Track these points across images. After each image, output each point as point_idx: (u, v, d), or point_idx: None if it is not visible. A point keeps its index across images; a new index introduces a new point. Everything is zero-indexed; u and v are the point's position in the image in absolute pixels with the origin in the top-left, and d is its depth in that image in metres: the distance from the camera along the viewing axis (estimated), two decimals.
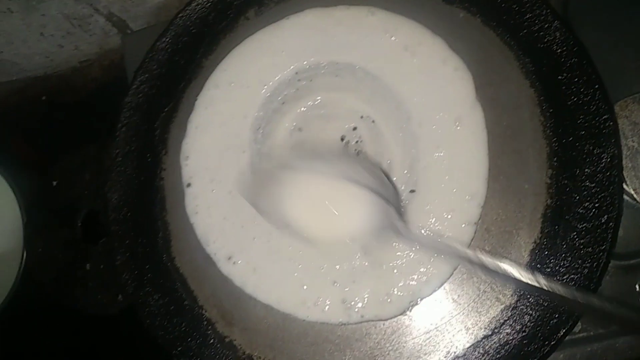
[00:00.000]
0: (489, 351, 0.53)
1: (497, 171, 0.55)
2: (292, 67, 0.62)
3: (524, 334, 0.52)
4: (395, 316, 0.55)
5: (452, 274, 0.54)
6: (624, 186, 0.59)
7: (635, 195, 0.59)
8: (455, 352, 0.53)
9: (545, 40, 0.57)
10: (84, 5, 0.83)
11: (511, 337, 0.52)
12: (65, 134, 0.92)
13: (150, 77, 0.67)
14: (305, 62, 0.62)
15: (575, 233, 0.53)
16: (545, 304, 0.52)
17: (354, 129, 0.63)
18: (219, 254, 0.59)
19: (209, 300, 0.59)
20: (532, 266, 0.53)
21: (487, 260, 0.48)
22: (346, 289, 0.56)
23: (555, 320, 0.51)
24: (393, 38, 0.60)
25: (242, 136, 0.62)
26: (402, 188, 0.58)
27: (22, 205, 0.77)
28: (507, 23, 0.59)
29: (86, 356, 0.82)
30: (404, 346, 0.55)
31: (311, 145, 0.63)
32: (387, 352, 0.55)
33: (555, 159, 0.55)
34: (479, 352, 0.53)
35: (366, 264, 0.56)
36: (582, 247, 0.53)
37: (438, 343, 0.54)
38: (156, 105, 0.66)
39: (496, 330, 0.53)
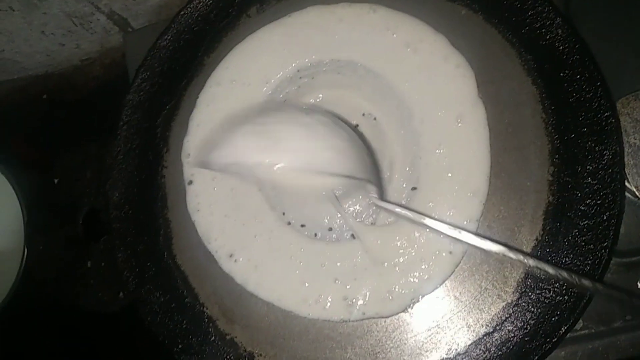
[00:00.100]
0: (490, 348, 0.53)
1: (499, 168, 0.55)
2: (293, 64, 0.63)
3: (525, 331, 0.52)
4: (397, 313, 0.55)
5: (454, 271, 0.54)
6: (626, 183, 0.59)
7: (636, 193, 0.59)
8: (456, 350, 0.53)
9: (547, 37, 0.57)
10: (85, 3, 0.83)
11: (513, 334, 0.52)
12: (66, 133, 0.92)
13: (151, 75, 0.67)
14: (307, 60, 0.62)
15: (576, 230, 0.53)
16: (547, 301, 0.52)
17: (356, 126, 0.63)
18: (220, 251, 0.59)
19: (210, 297, 0.59)
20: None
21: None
22: (347, 287, 0.56)
23: (556, 318, 0.51)
24: (395, 35, 0.60)
25: None
26: (404, 185, 0.58)
27: (23, 204, 0.77)
28: (509, 20, 0.59)
29: (87, 354, 0.82)
30: (405, 343, 0.55)
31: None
32: (388, 350, 0.55)
33: (557, 156, 0.55)
34: (480, 350, 0.53)
35: (367, 261, 0.56)
36: (583, 244, 0.53)
37: (439, 340, 0.54)
38: (158, 103, 0.66)
39: (498, 328, 0.53)
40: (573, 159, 0.54)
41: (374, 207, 0.59)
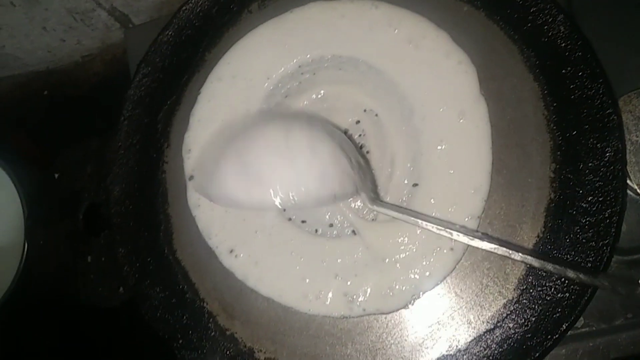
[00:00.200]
0: (491, 345, 0.52)
1: (501, 165, 0.55)
2: (295, 60, 0.62)
3: (526, 328, 0.52)
4: (397, 310, 0.55)
5: (455, 267, 0.54)
6: (628, 181, 0.59)
7: (638, 190, 0.59)
8: (457, 346, 0.53)
9: (550, 34, 0.57)
10: None
11: (514, 332, 0.52)
12: (67, 128, 0.92)
13: (153, 70, 0.67)
14: (308, 56, 0.62)
15: (578, 227, 0.53)
16: (548, 298, 0.52)
17: (357, 122, 0.62)
18: (221, 247, 0.59)
19: (211, 293, 0.59)
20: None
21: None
22: (348, 282, 0.55)
23: (557, 315, 0.51)
24: (396, 31, 0.60)
25: None
26: (405, 182, 0.58)
27: (23, 198, 0.77)
28: (511, 17, 0.59)
29: (87, 348, 0.82)
30: (405, 340, 0.54)
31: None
32: (388, 346, 0.55)
33: (558, 153, 0.55)
34: (481, 346, 0.53)
35: (368, 257, 0.56)
36: (585, 241, 0.52)
37: (440, 337, 0.54)
38: (159, 98, 0.66)
39: (499, 324, 0.53)
40: (575, 156, 0.54)
41: None
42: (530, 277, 0.53)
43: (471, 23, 0.60)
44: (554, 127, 0.55)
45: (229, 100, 0.63)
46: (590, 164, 0.54)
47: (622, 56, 0.63)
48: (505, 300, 0.53)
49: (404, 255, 0.55)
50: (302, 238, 0.58)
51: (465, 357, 0.53)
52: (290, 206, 0.50)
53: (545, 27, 0.58)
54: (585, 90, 0.55)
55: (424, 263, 0.54)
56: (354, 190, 0.53)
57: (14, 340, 0.82)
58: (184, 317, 0.59)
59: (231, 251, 0.59)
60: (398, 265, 0.55)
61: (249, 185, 0.51)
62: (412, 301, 0.54)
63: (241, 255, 0.59)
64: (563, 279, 0.52)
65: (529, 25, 0.58)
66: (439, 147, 0.57)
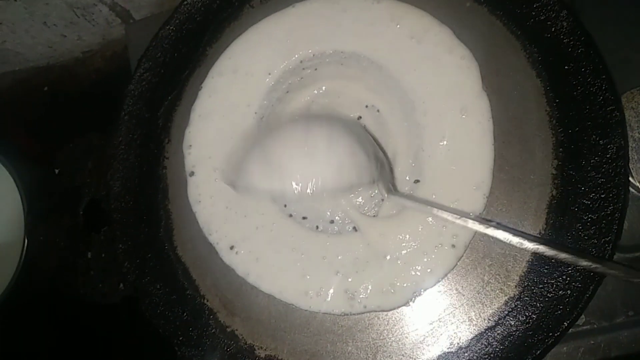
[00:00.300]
0: (492, 342, 0.52)
1: (503, 161, 0.55)
2: (296, 55, 0.62)
3: (527, 325, 0.52)
4: (399, 307, 0.55)
5: (456, 264, 0.54)
6: (630, 178, 0.59)
7: None
8: (458, 343, 0.53)
9: (552, 30, 0.57)
10: None
11: (515, 329, 0.52)
12: (67, 124, 0.92)
13: (154, 65, 0.67)
14: (310, 51, 0.62)
15: (580, 224, 0.53)
16: (550, 296, 0.52)
17: (359, 118, 0.62)
18: (221, 243, 0.59)
19: (211, 289, 0.59)
20: (537, 257, 0.53)
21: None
22: (349, 279, 0.55)
23: (559, 312, 0.51)
24: (399, 26, 0.60)
25: (246, 125, 0.62)
26: (407, 178, 0.58)
27: (24, 194, 0.77)
28: (513, 12, 0.59)
29: (87, 344, 0.82)
30: (406, 337, 0.54)
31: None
32: (389, 343, 0.54)
33: (561, 149, 0.54)
34: (482, 344, 0.52)
35: (369, 254, 0.56)
36: (587, 238, 0.52)
37: (441, 334, 0.54)
38: (160, 93, 0.66)
39: (500, 322, 0.53)
40: (577, 153, 0.54)
41: (379, 200, 0.59)
42: (532, 275, 0.53)
43: (474, 18, 0.60)
44: (557, 124, 0.55)
45: (230, 96, 0.63)
46: (592, 161, 0.53)
47: (625, 53, 0.63)
48: (506, 298, 0.53)
49: (405, 252, 0.55)
50: (303, 234, 0.58)
51: (466, 354, 0.52)
52: (308, 195, 0.51)
53: (548, 22, 0.57)
54: (587, 86, 0.55)
55: (425, 260, 0.54)
56: (371, 181, 0.54)
57: (14, 336, 0.82)
58: (184, 314, 0.59)
59: (232, 247, 0.59)
60: (399, 262, 0.55)
61: (272, 176, 0.53)
62: (413, 298, 0.54)
63: (242, 251, 0.58)
64: (565, 276, 0.51)
65: (532, 21, 0.58)
66: (441, 143, 0.57)
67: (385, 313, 0.55)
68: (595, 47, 0.56)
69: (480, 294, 0.53)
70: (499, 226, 0.52)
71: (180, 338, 0.58)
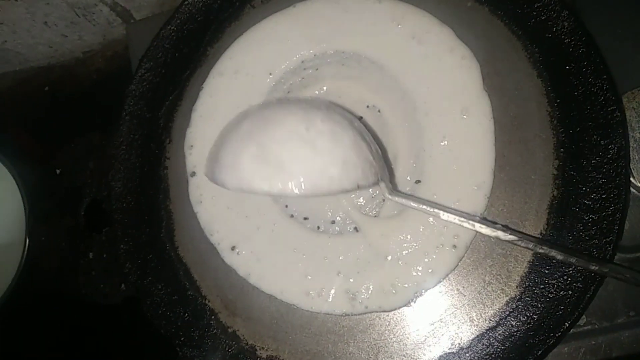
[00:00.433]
0: (493, 343, 0.52)
1: (504, 161, 0.55)
2: (297, 55, 0.62)
3: (529, 325, 0.52)
4: (400, 307, 0.55)
5: (457, 265, 0.54)
6: (631, 178, 0.59)
7: None
8: (460, 344, 0.53)
9: (554, 30, 0.57)
10: None
11: (516, 329, 0.52)
12: (68, 124, 0.92)
13: (155, 65, 0.66)
14: (311, 51, 0.62)
15: (581, 225, 0.53)
16: (551, 296, 0.52)
17: (360, 118, 0.62)
18: (223, 243, 0.59)
19: (212, 290, 0.59)
20: (538, 257, 0.53)
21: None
22: (350, 280, 0.55)
23: (560, 313, 0.51)
24: (400, 26, 0.60)
25: None
26: (408, 178, 0.58)
27: (25, 195, 0.77)
28: (514, 12, 0.59)
29: (88, 345, 0.82)
30: (408, 337, 0.54)
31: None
32: (391, 344, 0.55)
33: (562, 149, 0.54)
34: (483, 344, 0.53)
35: (371, 254, 0.56)
36: (588, 238, 0.52)
37: (442, 335, 0.54)
38: (161, 93, 0.66)
39: (501, 322, 0.53)
40: (578, 153, 0.54)
41: (380, 200, 0.59)
42: (533, 275, 0.53)
43: (475, 18, 0.60)
44: (558, 124, 0.55)
45: (231, 96, 0.63)
46: (593, 161, 0.53)
47: (626, 53, 0.63)
48: (507, 298, 0.53)
49: (406, 252, 0.55)
50: (304, 235, 0.58)
51: (467, 354, 0.52)
52: (311, 194, 0.48)
53: (549, 22, 0.57)
54: (588, 86, 0.55)
55: (427, 260, 0.54)
56: (376, 180, 0.52)
57: (15, 336, 0.82)
58: (186, 314, 0.59)
59: (233, 248, 0.59)
60: (400, 262, 0.55)
61: (270, 173, 0.48)
62: (415, 299, 0.54)
63: (243, 252, 0.58)
64: (566, 277, 0.51)
65: (533, 20, 0.58)
66: (442, 144, 0.57)
67: (386, 313, 0.55)
68: (596, 47, 0.56)
69: (481, 295, 0.53)
70: (503, 228, 0.51)
71: (182, 338, 0.58)
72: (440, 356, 0.53)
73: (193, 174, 0.62)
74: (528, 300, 0.52)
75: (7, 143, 0.87)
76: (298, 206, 0.60)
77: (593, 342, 0.59)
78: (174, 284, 0.60)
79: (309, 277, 0.56)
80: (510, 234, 0.50)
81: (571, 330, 0.52)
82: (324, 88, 0.64)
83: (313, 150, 0.49)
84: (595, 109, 0.54)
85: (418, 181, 0.57)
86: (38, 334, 0.82)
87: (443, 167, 0.56)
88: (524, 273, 0.53)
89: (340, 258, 0.56)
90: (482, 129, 0.56)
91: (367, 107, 0.62)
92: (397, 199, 0.54)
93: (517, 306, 0.52)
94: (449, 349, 0.53)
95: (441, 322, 0.54)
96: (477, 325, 0.53)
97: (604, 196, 0.52)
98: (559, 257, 0.49)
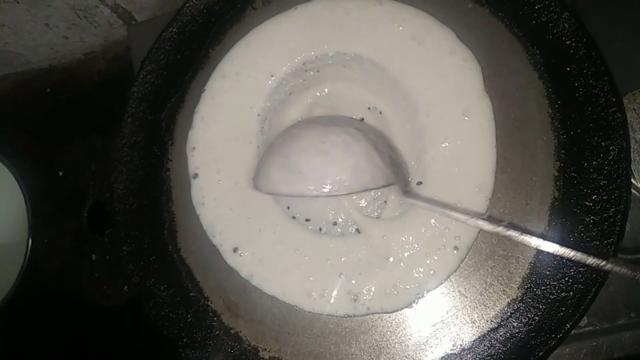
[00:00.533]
0: (495, 344, 0.52)
1: (505, 163, 0.55)
2: (299, 57, 0.62)
3: (530, 327, 0.52)
4: (401, 309, 0.55)
5: (459, 266, 0.54)
6: (632, 180, 0.59)
7: None
8: (461, 345, 0.53)
9: (554, 31, 0.57)
10: None
11: (517, 330, 0.52)
12: (70, 126, 0.92)
13: (156, 67, 0.67)
14: (312, 53, 0.62)
15: (582, 226, 0.53)
16: (552, 297, 0.52)
17: (361, 120, 0.62)
18: (225, 245, 0.59)
19: (215, 291, 0.60)
20: (540, 259, 0.53)
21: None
22: (352, 281, 0.56)
23: (561, 314, 0.51)
24: (401, 28, 0.60)
25: (248, 127, 0.62)
26: (410, 180, 0.58)
27: (27, 197, 0.77)
28: (515, 14, 0.59)
29: (91, 347, 0.82)
30: (409, 339, 0.55)
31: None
32: (392, 345, 0.55)
33: (563, 151, 0.55)
34: (485, 345, 0.53)
35: (372, 255, 0.56)
36: (589, 240, 0.52)
37: (444, 336, 0.54)
38: (163, 95, 0.66)
39: (503, 323, 0.53)
40: (579, 155, 0.54)
41: (382, 202, 0.59)
42: (534, 276, 0.53)
43: (476, 20, 0.60)
44: (558, 126, 0.55)
45: (233, 98, 0.63)
46: (594, 163, 0.53)
47: (626, 54, 0.63)
48: (509, 299, 0.53)
49: (408, 254, 0.55)
50: (306, 236, 0.58)
51: (469, 356, 0.53)
52: (326, 195, 0.53)
53: (550, 24, 0.57)
54: (589, 88, 0.55)
55: (428, 262, 0.54)
56: (386, 183, 0.54)
57: (17, 338, 0.82)
58: (188, 316, 0.59)
59: (235, 249, 0.59)
60: (402, 264, 0.55)
61: (290, 177, 0.54)
62: (416, 300, 0.54)
63: (245, 253, 0.59)
64: (567, 278, 0.52)
65: (534, 22, 0.58)
66: (443, 145, 0.57)
67: (388, 315, 0.55)
68: (597, 49, 0.56)
69: (482, 296, 0.54)
70: (510, 226, 0.51)
71: (185, 340, 0.58)
72: (442, 357, 0.53)
73: (195, 175, 0.62)
74: (529, 302, 0.52)
75: (9, 144, 0.88)
76: (300, 208, 0.60)
77: (594, 343, 0.59)
78: (176, 286, 0.60)
79: (311, 279, 0.57)
80: (518, 233, 0.50)
81: (572, 332, 0.52)
82: (326, 90, 0.64)
83: (327, 159, 0.54)
84: (596, 110, 0.54)
85: (419, 183, 0.57)
86: (40, 335, 0.82)
87: (444, 169, 0.56)
88: (526, 274, 0.53)
89: (342, 259, 0.57)
90: (483, 130, 0.56)
91: (369, 108, 0.63)
92: (409, 200, 0.55)
93: (518, 307, 0.53)
94: (451, 350, 0.53)
95: (443, 323, 0.54)
96: (478, 326, 0.53)
97: (605, 197, 0.53)
98: (563, 253, 0.49)
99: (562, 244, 0.48)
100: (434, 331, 0.54)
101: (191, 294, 0.60)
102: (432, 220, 0.55)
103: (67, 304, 0.78)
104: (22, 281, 0.74)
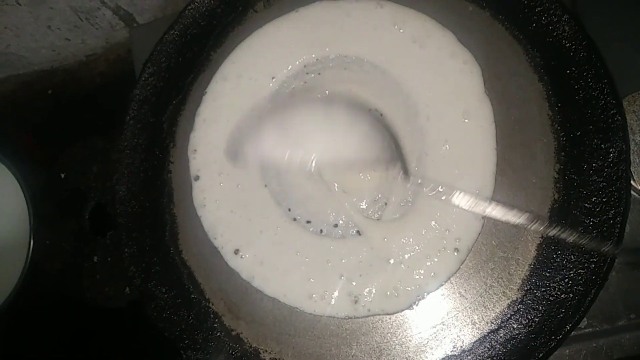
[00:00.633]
0: (495, 345, 0.53)
1: (505, 165, 0.56)
2: (300, 60, 0.63)
3: (530, 328, 0.52)
4: (402, 310, 0.55)
5: (459, 268, 0.54)
6: (631, 182, 0.59)
7: None
8: (461, 347, 0.53)
9: (554, 34, 0.57)
10: None
11: (517, 332, 0.53)
12: (72, 128, 0.92)
13: (158, 70, 0.67)
14: (313, 55, 0.63)
15: (582, 228, 0.53)
16: (552, 299, 0.52)
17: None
18: (226, 247, 0.60)
19: (216, 293, 0.60)
20: (539, 260, 0.53)
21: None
22: (353, 283, 0.56)
23: (561, 315, 0.51)
24: (401, 31, 0.61)
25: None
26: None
27: (29, 198, 0.77)
28: (516, 17, 0.59)
29: (92, 348, 0.82)
30: (410, 340, 0.55)
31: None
32: (393, 346, 0.55)
33: (563, 153, 0.55)
34: (485, 347, 0.53)
35: (373, 257, 0.56)
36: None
37: (444, 337, 0.54)
38: (164, 98, 0.66)
39: (503, 325, 0.53)
40: (579, 157, 0.54)
41: (382, 204, 0.59)
42: (534, 278, 0.53)
43: (476, 23, 0.60)
44: (558, 128, 0.56)
45: (235, 100, 0.63)
46: (594, 165, 0.54)
47: (626, 56, 0.63)
48: (509, 301, 0.53)
49: (408, 255, 0.55)
50: (307, 238, 0.58)
51: (469, 357, 0.53)
52: (330, 166, 0.53)
53: (550, 27, 0.57)
54: (589, 90, 0.55)
55: (429, 264, 0.55)
56: (392, 158, 0.55)
57: (19, 339, 0.82)
58: (190, 317, 0.59)
59: (236, 251, 0.59)
60: (402, 265, 0.55)
61: (289, 146, 0.53)
62: (417, 302, 0.55)
63: (246, 255, 0.59)
64: (567, 280, 0.52)
65: (534, 25, 0.58)
66: (444, 147, 0.57)
67: (388, 316, 0.55)
68: (596, 51, 0.56)
69: (483, 298, 0.54)
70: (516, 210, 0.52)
71: (186, 341, 0.59)
72: (442, 359, 0.54)
73: (197, 177, 0.62)
74: (529, 303, 0.53)
75: (11, 146, 0.88)
76: (301, 209, 0.60)
77: (594, 345, 0.59)
78: (177, 288, 0.60)
79: (312, 280, 0.57)
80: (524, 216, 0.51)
81: (572, 333, 0.52)
82: (326, 92, 0.64)
83: (333, 123, 0.54)
84: (595, 112, 0.54)
85: (419, 184, 0.57)
86: (41, 336, 0.82)
87: (445, 171, 0.56)
88: (525, 276, 0.53)
89: (343, 261, 0.57)
90: (484, 132, 0.56)
91: (369, 110, 0.62)
92: (411, 180, 0.55)
93: (518, 309, 0.53)
94: (451, 351, 0.53)
95: (443, 324, 0.54)
96: (478, 328, 0.53)
97: (604, 199, 0.53)
98: (570, 238, 0.50)
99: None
100: (435, 333, 0.54)
101: (192, 296, 0.60)
102: (433, 222, 0.55)
103: (69, 306, 0.78)
104: (23, 282, 0.74)
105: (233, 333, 0.58)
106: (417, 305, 0.55)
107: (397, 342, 0.55)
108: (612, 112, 0.54)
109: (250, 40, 0.65)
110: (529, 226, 0.51)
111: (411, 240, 0.55)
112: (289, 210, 0.60)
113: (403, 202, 0.57)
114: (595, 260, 0.52)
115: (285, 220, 0.59)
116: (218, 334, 0.58)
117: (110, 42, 0.95)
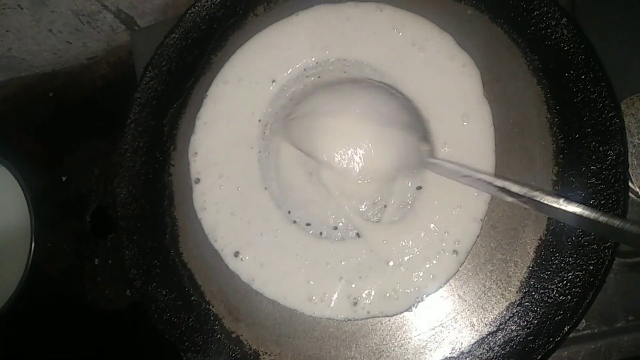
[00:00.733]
0: (494, 347, 0.53)
1: (504, 168, 0.56)
2: (300, 63, 0.63)
3: (528, 330, 0.52)
4: (401, 312, 0.55)
5: (458, 270, 0.55)
6: (629, 184, 0.59)
7: None
8: (460, 349, 0.54)
9: (553, 37, 0.57)
10: (92, 1, 0.83)
11: (516, 334, 0.53)
12: (73, 131, 0.92)
13: (159, 73, 0.67)
14: (313, 59, 0.63)
15: (580, 230, 0.53)
16: (550, 301, 0.52)
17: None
18: (226, 249, 0.60)
19: (216, 295, 0.60)
20: (538, 263, 0.53)
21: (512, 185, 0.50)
22: (352, 285, 0.56)
23: (559, 317, 0.52)
24: (401, 34, 0.61)
25: (250, 132, 0.63)
26: (410, 185, 0.58)
27: (30, 201, 0.77)
28: (514, 20, 0.59)
29: (93, 350, 0.82)
30: (409, 342, 0.55)
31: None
32: (392, 348, 0.55)
33: (561, 155, 0.55)
34: (484, 349, 0.53)
35: (372, 259, 0.56)
36: (587, 244, 0.53)
37: (443, 339, 0.54)
38: (165, 101, 0.67)
39: (501, 327, 0.53)
40: (577, 159, 0.54)
41: (382, 206, 0.59)
42: (533, 280, 0.53)
43: (475, 26, 0.60)
44: (557, 130, 0.56)
45: (235, 103, 0.64)
46: (592, 167, 0.54)
47: (625, 59, 0.63)
48: (507, 303, 0.53)
49: (407, 258, 0.55)
50: (307, 241, 0.58)
51: (468, 359, 0.53)
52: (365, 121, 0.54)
53: (549, 30, 0.58)
54: (587, 93, 0.55)
55: (428, 266, 0.55)
56: (422, 135, 0.56)
57: (20, 341, 0.83)
58: (190, 320, 0.59)
59: (237, 254, 0.59)
60: (402, 268, 0.55)
61: (334, 95, 0.57)
62: (416, 304, 0.55)
63: (247, 257, 0.59)
64: (565, 282, 0.52)
65: (533, 28, 0.58)
66: (443, 150, 0.57)
67: (388, 318, 0.56)
68: (595, 54, 0.56)
69: (481, 300, 0.54)
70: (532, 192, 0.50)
71: (186, 344, 0.59)
72: None
73: (197, 180, 0.62)
74: (528, 305, 0.53)
75: (12, 148, 0.88)
76: (300, 212, 0.61)
77: (592, 347, 0.59)
78: (178, 290, 0.61)
79: (312, 283, 0.57)
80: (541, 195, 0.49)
81: (571, 335, 0.52)
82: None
83: (371, 92, 0.58)
84: (594, 115, 0.55)
85: (419, 187, 0.57)
86: (43, 338, 0.82)
87: None
88: (524, 278, 0.53)
89: (343, 263, 0.57)
90: (483, 135, 0.56)
91: None
92: (437, 161, 0.56)
93: (517, 311, 0.53)
94: (450, 353, 0.54)
95: (442, 327, 0.54)
96: (477, 330, 0.54)
97: (602, 202, 0.53)
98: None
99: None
100: (434, 335, 0.54)
101: (193, 298, 0.60)
102: (432, 225, 0.55)
103: (70, 307, 0.78)
104: (24, 284, 0.74)
105: (233, 335, 0.58)
106: (416, 307, 0.55)
107: (396, 344, 0.55)
108: (610, 114, 0.54)
109: (250, 44, 0.65)
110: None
111: (410, 242, 0.55)
112: (289, 212, 0.61)
113: (402, 204, 0.58)
114: (593, 262, 0.52)
115: (285, 222, 0.60)
116: (218, 336, 0.59)
117: (112, 45, 0.96)
